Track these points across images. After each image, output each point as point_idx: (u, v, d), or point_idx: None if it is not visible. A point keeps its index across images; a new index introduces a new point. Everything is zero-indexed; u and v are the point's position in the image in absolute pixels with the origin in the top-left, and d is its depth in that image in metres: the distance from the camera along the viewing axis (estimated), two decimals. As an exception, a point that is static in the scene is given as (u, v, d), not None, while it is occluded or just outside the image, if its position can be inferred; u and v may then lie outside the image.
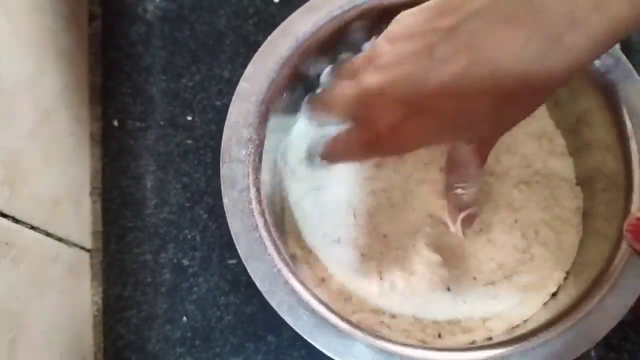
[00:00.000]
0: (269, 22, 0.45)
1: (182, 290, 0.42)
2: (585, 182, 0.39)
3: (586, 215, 0.39)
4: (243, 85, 0.35)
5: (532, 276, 0.38)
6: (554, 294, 0.37)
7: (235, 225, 0.33)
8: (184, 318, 0.41)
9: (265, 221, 0.33)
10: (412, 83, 0.28)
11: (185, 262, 0.42)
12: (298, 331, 0.31)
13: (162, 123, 0.44)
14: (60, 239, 0.39)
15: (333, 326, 0.31)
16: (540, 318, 0.36)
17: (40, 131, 0.37)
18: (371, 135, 0.30)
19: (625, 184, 0.34)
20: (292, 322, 0.31)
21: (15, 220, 0.34)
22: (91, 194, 0.43)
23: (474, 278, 0.38)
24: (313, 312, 0.31)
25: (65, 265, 0.39)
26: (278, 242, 0.33)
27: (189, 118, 0.44)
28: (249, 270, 0.32)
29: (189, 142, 0.44)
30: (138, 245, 0.42)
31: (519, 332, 0.35)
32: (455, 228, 0.37)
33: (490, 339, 0.36)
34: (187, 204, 0.43)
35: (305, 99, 0.36)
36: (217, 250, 0.42)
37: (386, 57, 0.30)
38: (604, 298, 0.32)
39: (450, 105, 0.28)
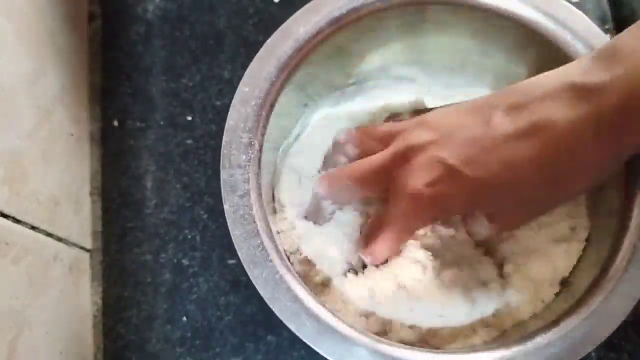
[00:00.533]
0: (269, 22, 0.45)
1: (182, 290, 0.42)
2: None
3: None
4: (242, 89, 0.35)
5: (531, 278, 0.38)
6: (556, 294, 0.37)
7: (236, 231, 0.32)
8: (184, 318, 0.41)
9: (267, 227, 0.33)
10: (458, 143, 0.28)
11: (185, 262, 0.42)
12: (302, 338, 0.31)
13: (162, 123, 0.44)
14: (60, 239, 0.39)
15: (336, 332, 0.31)
16: (542, 318, 0.36)
17: (40, 131, 0.37)
18: (411, 200, 0.29)
19: (625, 182, 0.34)
20: (295, 328, 0.31)
21: (15, 220, 0.34)
22: (91, 194, 0.43)
23: (475, 280, 0.38)
24: (316, 318, 0.31)
25: (65, 265, 0.39)
26: (280, 247, 0.33)
27: (189, 118, 0.44)
28: (250, 277, 0.32)
29: (189, 142, 0.44)
30: (138, 245, 0.42)
31: (520, 334, 0.35)
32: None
33: (491, 341, 0.36)
34: (187, 204, 0.43)
35: (319, 175, 0.35)
36: (217, 250, 0.42)
37: (436, 119, 0.29)
38: (607, 298, 0.32)
39: (495, 171, 0.27)
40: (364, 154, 0.34)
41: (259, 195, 0.33)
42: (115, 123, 0.44)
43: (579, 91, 0.26)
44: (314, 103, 0.41)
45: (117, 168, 0.44)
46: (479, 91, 0.39)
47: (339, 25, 0.36)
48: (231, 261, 0.42)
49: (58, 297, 0.38)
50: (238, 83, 0.35)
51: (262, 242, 0.32)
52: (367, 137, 0.34)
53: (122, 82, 0.45)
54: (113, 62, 0.45)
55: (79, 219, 0.42)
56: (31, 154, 0.36)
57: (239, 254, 0.32)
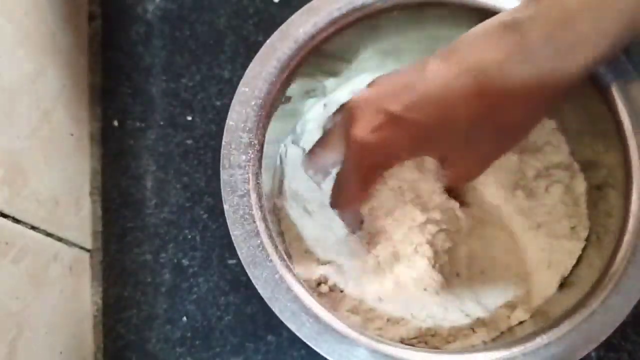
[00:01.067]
0: (269, 22, 0.45)
1: (182, 290, 0.42)
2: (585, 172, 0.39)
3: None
4: (242, 90, 0.35)
5: (531, 278, 0.38)
6: (556, 294, 0.37)
7: (236, 232, 0.32)
8: (184, 318, 0.41)
9: (267, 227, 0.33)
10: (397, 92, 0.29)
11: (185, 262, 0.42)
12: (302, 338, 0.31)
13: (162, 123, 0.44)
14: (60, 239, 0.39)
15: (337, 332, 0.31)
16: (542, 318, 0.36)
17: (40, 131, 0.37)
18: (356, 149, 0.31)
19: (625, 182, 0.34)
20: (295, 329, 0.31)
21: (15, 220, 0.34)
22: (91, 193, 0.43)
23: (476, 276, 0.38)
24: (316, 318, 0.31)
25: (65, 265, 0.39)
26: (280, 247, 0.33)
27: (189, 118, 0.44)
28: (250, 277, 0.32)
29: (189, 142, 0.44)
30: (138, 245, 0.42)
31: (519, 334, 0.35)
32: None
33: (492, 340, 0.36)
34: (187, 204, 0.43)
35: (303, 156, 0.36)
36: (217, 250, 0.42)
37: (379, 78, 0.31)
38: (607, 298, 0.32)
39: (433, 113, 0.29)
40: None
41: (259, 195, 0.33)
42: (115, 123, 0.44)
43: (507, 27, 0.28)
44: (317, 95, 0.41)
45: (117, 168, 0.44)
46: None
47: (339, 25, 0.36)
48: (231, 261, 0.42)
49: (58, 297, 0.38)
50: (238, 83, 0.35)
51: (262, 242, 0.32)
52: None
53: (122, 82, 0.45)
54: (113, 62, 0.45)
55: (79, 219, 0.42)
56: (31, 154, 0.36)
57: (239, 254, 0.32)
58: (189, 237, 0.42)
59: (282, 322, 0.31)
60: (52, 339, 0.37)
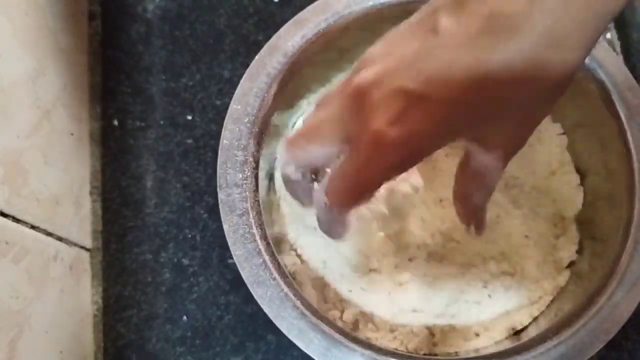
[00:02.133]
0: (269, 21, 0.45)
1: (182, 289, 0.42)
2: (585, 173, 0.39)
3: (589, 211, 0.39)
4: (234, 107, 0.34)
5: (533, 276, 0.38)
6: (562, 294, 0.38)
7: (237, 252, 0.32)
8: (184, 317, 0.41)
9: (268, 244, 0.33)
10: (412, 63, 0.23)
11: (186, 261, 0.42)
12: (311, 355, 0.31)
13: (162, 122, 0.44)
14: (60, 239, 0.39)
15: (344, 347, 0.31)
16: (547, 318, 0.36)
17: (40, 131, 0.37)
18: (373, 146, 0.24)
19: (627, 179, 0.34)
20: (303, 346, 0.31)
21: (16, 219, 0.34)
22: (91, 193, 0.43)
23: (478, 283, 0.38)
24: (324, 334, 0.31)
25: (66, 265, 0.39)
26: (282, 264, 0.33)
27: (189, 117, 0.44)
28: (255, 296, 0.32)
29: (189, 141, 0.44)
30: (138, 245, 0.42)
31: (527, 336, 0.35)
32: (470, 229, 0.33)
33: (499, 343, 0.36)
34: (187, 204, 0.43)
35: (280, 141, 0.33)
36: (217, 249, 0.42)
37: (379, 51, 0.25)
38: (612, 296, 0.32)
39: (463, 83, 0.22)
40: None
41: (259, 213, 0.33)
42: (116, 122, 0.44)
43: None
44: (311, 99, 0.41)
45: (117, 167, 0.44)
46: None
47: (327, 37, 0.36)
48: (231, 261, 0.42)
49: (58, 296, 0.38)
50: (238, 82, 0.35)
51: (264, 261, 0.32)
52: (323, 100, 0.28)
53: (122, 82, 0.45)
54: (113, 62, 0.45)
55: (79, 219, 0.42)
56: (31, 153, 0.36)
57: (242, 274, 0.32)
58: (189, 236, 0.42)
59: (282, 322, 0.31)
60: (52, 338, 0.37)
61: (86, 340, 0.41)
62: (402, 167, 0.26)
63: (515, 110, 0.24)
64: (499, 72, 0.22)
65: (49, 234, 0.37)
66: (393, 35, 0.25)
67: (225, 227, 0.33)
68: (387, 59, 0.24)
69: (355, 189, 0.27)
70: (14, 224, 0.34)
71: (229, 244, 0.32)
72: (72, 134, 0.42)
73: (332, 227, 0.29)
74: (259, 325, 0.41)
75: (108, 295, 0.42)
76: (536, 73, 0.22)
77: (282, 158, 0.29)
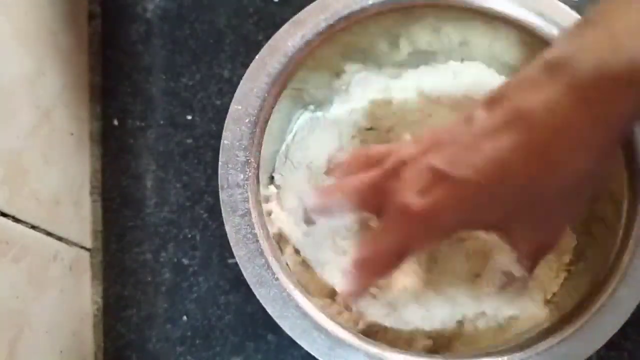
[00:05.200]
0: (269, 21, 0.45)
1: (182, 289, 0.42)
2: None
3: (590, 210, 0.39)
4: (235, 108, 0.34)
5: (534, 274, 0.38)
6: (561, 292, 0.37)
7: (240, 252, 0.32)
8: (184, 317, 0.41)
9: (271, 245, 0.33)
10: (442, 146, 0.26)
11: (186, 261, 0.42)
12: (314, 354, 0.31)
13: (162, 122, 0.44)
14: (60, 238, 0.39)
15: (348, 346, 0.31)
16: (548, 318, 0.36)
17: (40, 131, 0.37)
18: (402, 211, 0.27)
19: (628, 178, 0.34)
20: (307, 346, 0.31)
21: (16, 219, 0.34)
22: (91, 193, 0.43)
23: (478, 281, 0.38)
24: (327, 333, 0.31)
25: (66, 265, 0.39)
26: (285, 265, 0.33)
27: (189, 117, 0.44)
28: (258, 296, 0.32)
29: (189, 141, 0.44)
30: (138, 245, 0.43)
31: (529, 334, 0.35)
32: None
33: (503, 342, 0.36)
34: (187, 203, 0.43)
35: (310, 189, 0.34)
36: (217, 249, 0.42)
37: (428, 132, 0.28)
38: (613, 294, 0.32)
39: (484, 169, 0.25)
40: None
41: (260, 213, 0.33)
42: (116, 122, 0.44)
43: (552, 67, 0.24)
44: (310, 104, 0.41)
45: (117, 167, 0.44)
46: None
47: (326, 36, 0.36)
48: (231, 260, 0.42)
49: (58, 296, 0.38)
50: (238, 82, 0.35)
51: (267, 262, 0.32)
52: (362, 157, 0.32)
53: (122, 82, 0.45)
54: (113, 62, 0.45)
55: (79, 219, 0.42)
56: (31, 153, 0.36)
57: (244, 274, 0.32)
58: (189, 236, 0.42)
59: (282, 321, 0.31)
60: (52, 338, 0.37)
61: (86, 340, 0.41)
62: (426, 239, 0.28)
63: (539, 206, 0.26)
64: (515, 163, 0.25)
65: (49, 234, 0.37)
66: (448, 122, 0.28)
67: (227, 227, 0.33)
68: (429, 141, 0.27)
69: (381, 257, 0.29)
70: (14, 224, 0.34)
71: (231, 244, 0.32)
72: (72, 134, 0.42)
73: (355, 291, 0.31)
74: (259, 325, 0.41)
75: (108, 295, 0.42)
76: (547, 167, 0.25)
77: (311, 202, 0.31)
